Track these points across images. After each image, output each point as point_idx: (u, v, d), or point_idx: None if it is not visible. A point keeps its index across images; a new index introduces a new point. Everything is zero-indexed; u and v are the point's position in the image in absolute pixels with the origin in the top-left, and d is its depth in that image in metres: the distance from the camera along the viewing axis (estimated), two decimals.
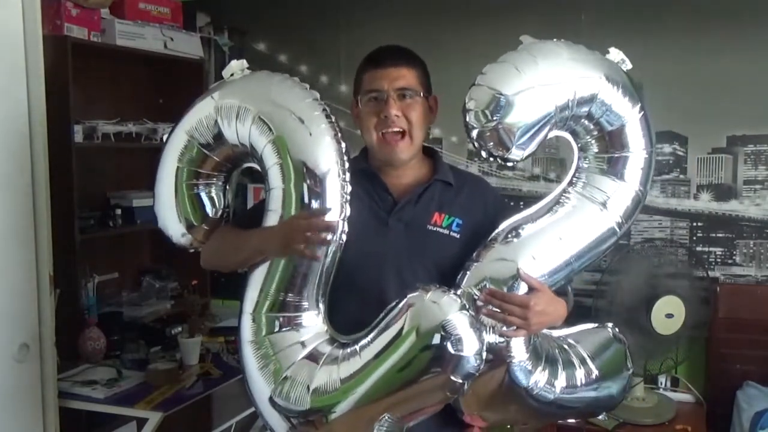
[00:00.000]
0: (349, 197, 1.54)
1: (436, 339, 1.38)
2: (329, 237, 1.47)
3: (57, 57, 2.54)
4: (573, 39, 1.58)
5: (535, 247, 1.56)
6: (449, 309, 1.40)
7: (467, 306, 1.44)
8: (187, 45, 3.24)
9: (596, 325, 1.77)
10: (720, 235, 2.83)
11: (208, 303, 3.21)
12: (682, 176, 2.85)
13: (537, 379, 1.57)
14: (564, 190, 1.62)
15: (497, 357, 1.51)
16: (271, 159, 1.54)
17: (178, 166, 1.64)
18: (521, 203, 2.95)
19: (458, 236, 1.62)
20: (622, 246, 2.80)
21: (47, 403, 2.33)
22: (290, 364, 1.49)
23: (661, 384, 2.88)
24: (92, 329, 2.70)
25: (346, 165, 1.54)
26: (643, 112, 1.58)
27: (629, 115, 1.56)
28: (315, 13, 3.27)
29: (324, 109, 1.55)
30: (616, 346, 1.73)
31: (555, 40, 1.56)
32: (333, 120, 1.55)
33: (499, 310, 1.49)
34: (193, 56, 3.26)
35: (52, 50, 2.46)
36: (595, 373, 1.65)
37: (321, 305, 1.56)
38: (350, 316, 1.56)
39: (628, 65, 1.60)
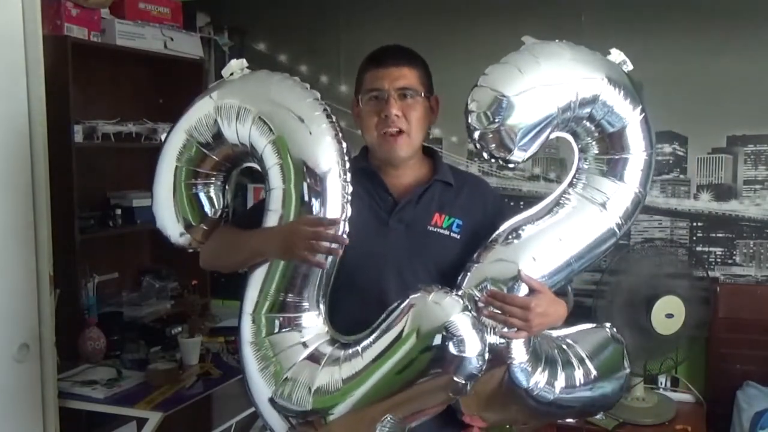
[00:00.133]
0: (350, 198, 1.54)
1: (439, 340, 1.38)
2: (335, 247, 1.46)
3: (57, 57, 2.54)
4: (573, 40, 1.58)
5: (535, 248, 1.56)
6: (452, 310, 1.40)
7: (469, 307, 1.44)
8: (187, 45, 3.24)
9: (594, 325, 1.77)
10: (720, 235, 2.83)
11: (208, 303, 3.21)
12: (682, 176, 2.85)
13: (537, 380, 1.57)
14: (564, 191, 1.63)
15: (497, 358, 1.51)
16: (271, 159, 1.54)
17: (176, 166, 1.64)
18: (521, 203, 2.97)
19: (458, 237, 1.62)
20: (622, 246, 2.80)
21: (47, 403, 2.33)
22: (291, 365, 1.49)
23: (661, 384, 2.88)
24: (92, 329, 2.70)
25: (347, 165, 1.54)
26: (643, 114, 1.58)
27: (630, 117, 1.57)
28: (315, 13, 3.27)
29: (325, 109, 1.55)
30: (614, 345, 1.74)
31: (557, 40, 1.56)
32: (334, 120, 1.55)
33: (500, 312, 1.49)
34: (193, 56, 3.26)
35: (52, 50, 2.46)
36: (594, 373, 1.66)
37: (321, 306, 1.56)
38: (350, 317, 1.55)
39: (629, 66, 1.60)
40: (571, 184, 1.63)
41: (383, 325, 1.45)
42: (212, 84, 1.68)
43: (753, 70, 2.73)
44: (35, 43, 2.26)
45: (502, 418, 1.74)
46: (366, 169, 1.64)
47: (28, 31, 2.25)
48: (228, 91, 1.60)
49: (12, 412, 2.24)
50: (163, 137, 1.72)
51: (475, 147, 1.52)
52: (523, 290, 1.54)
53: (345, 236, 1.51)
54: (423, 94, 1.62)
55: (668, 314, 2.61)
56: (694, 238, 2.86)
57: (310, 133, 1.52)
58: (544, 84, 1.47)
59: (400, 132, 1.59)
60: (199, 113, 1.61)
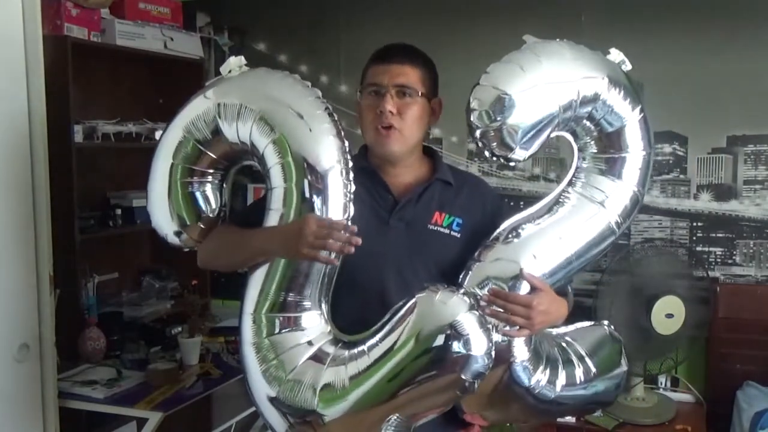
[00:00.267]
0: (352, 196, 1.53)
1: (445, 340, 1.38)
2: (350, 250, 1.44)
3: (57, 57, 2.54)
4: (573, 40, 1.59)
5: (536, 247, 1.57)
6: (458, 309, 1.40)
7: (476, 306, 1.44)
8: (187, 45, 3.24)
9: (593, 323, 1.78)
10: (720, 235, 2.83)
11: (208, 303, 3.21)
12: (682, 176, 2.85)
13: (539, 379, 1.58)
14: (564, 190, 1.64)
15: (499, 357, 1.51)
16: (272, 158, 1.53)
17: (172, 163, 1.62)
18: (521, 203, 2.97)
19: (459, 236, 1.63)
20: (622, 246, 2.80)
21: (47, 403, 2.33)
22: (294, 366, 1.48)
23: (661, 384, 2.87)
24: (92, 329, 2.69)
25: (350, 164, 1.54)
26: (642, 114, 1.59)
27: (629, 117, 1.57)
28: (315, 13, 3.27)
29: (326, 108, 1.55)
30: (612, 343, 1.75)
31: (557, 40, 1.56)
32: (336, 118, 1.55)
33: (502, 310, 1.49)
34: (193, 56, 3.26)
35: (52, 50, 2.46)
36: (593, 370, 1.67)
37: (324, 305, 1.55)
38: (351, 316, 1.56)
39: (628, 66, 1.60)
40: (570, 183, 1.63)
41: (389, 324, 1.45)
42: (210, 81, 1.66)
43: (753, 70, 2.73)
44: (35, 43, 2.26)
45: (503, 417, 1.74)
46: (366, 168, 1.64)
47: (28, 31, 2.25)
48: (228, 89, 1.59)
49: (12, 412, 2.24)
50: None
51: (477, 145, 1.52)
52: (524, 289, 1.54)
53: (358, 239, 1.48)
54: (421, 94, 1.61)
55: (668, 314, 2.61)
56: (694, 238, 2.85)
57: (311, 130, 1.52)
58: (546, 82, 1.48)
59: (393, 128, 1.59)
60: (198, 110, 1.59)
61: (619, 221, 1.60)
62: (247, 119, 1.54)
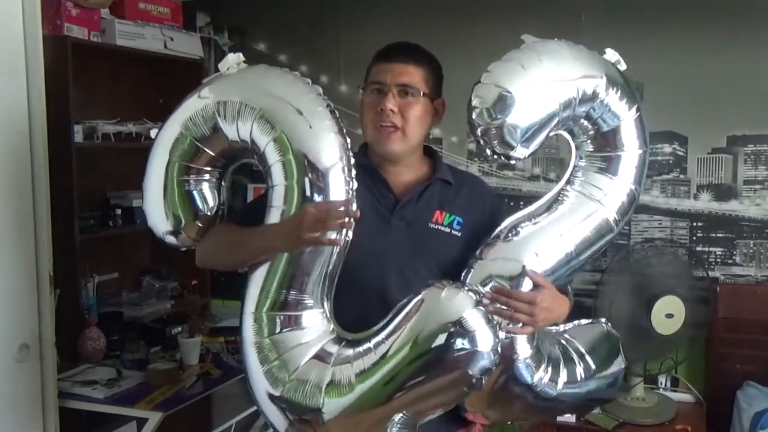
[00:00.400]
0: (355, 194, 1.52)
1: (449, 337, 1.38)
2: (347, 220, 1.43)
3: (57, 57, 2.54)
4: (573, 39, 1.60)
5: (537, 244, 1.58)
6: (465, 305, 1.40)
7: (482, 302, 1.44)
8: (187, 45, 3.24)
9: (591, 320, 1.78)
10: (720, 235, 2.83)
11: (208, 303, 3.21)
12: (682, 176, 2.85)
13: (541, 376, 1.59)
14: (563, 188, 1.65)
15: (502, 354, 1.51)
16: (273, 156, 1.52)
17: (168, 161, 1.59)
18: (521, 203, 2.96)
19: (459, 235, 1.63)
20: (622, 246, 2.80)
21: (47, 403, 2.33)
22: (297, 365, 1.47)
23: (661, 384, 2.88)
24: (92, 329, 2.69)
25: (352, 161, 1.53)
26: (638, 113, 1.61)
27: (625, 116, 1.60)
28: (315, 13, 3.27)
29: (328, 105, 1.54)
30: (610, 341, 1.76)
31: (556, 39, 1.57)
32: (337, 116, 1.54)
33: (505, 307, 1.50)
34: (193, 56, 3.26)
35: (52, 50, 2.46)
36: (593, 368, 1.68)
37: (326, 304, 1.55)
38: (352, 314, 1.55)
39: (623, 66, 1.62)
40: (569, 182, 1.65)
41: (395, 321, 1.44)
42: (209, 78, 1.64)
43: (753, 70, 2.73)
44: (35, 43, 2.26)
45: (505, 415, 1.75)
46: (367, 166, 1.63)
47: (28, 31, 2.25)
48: (227, 87, 1.57)
49: (12, 412, 2.24)
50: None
51: (478, 143, 1.52)
52: (526, 286, 1.55)
53: (350, 233, 1.49)
54: (424, 94, 1.60)
55: (668, 314, 2.61)
56: (694, 238, 2.85)
57: (311, 127, 1.50)
58: (547, 81, 1.49)
59: (394, 127, 1.58)
60: (196, 107, 1.57)
61: (617, 218, 1.62)
62: (248, 117, 1.52)
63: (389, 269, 1.59)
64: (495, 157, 1.53)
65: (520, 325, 1.52)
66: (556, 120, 1.52)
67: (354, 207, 1.47)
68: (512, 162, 1.58)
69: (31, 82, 2.26)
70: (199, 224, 1.65)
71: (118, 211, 2.95)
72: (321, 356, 1.48)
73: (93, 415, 2.45)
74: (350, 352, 1.47)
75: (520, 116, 1.47)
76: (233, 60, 1.59)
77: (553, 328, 1.71)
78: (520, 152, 1.50)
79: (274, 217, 1.53)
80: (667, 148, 2.85)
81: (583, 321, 1.77)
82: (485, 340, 1.39)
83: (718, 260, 2.83)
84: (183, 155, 1.59)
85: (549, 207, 1.63)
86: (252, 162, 1.63)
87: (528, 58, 1.49)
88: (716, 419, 2.70)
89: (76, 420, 2.50)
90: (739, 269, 2.81)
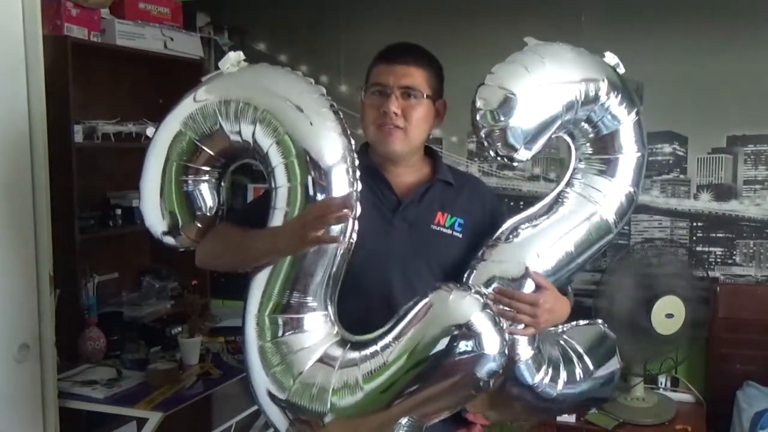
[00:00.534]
0: (359, 196, 1.51)
1: (457, 339, 1.38)
2: (346, 213, 1.42)
3: (57, 57, 2.54)
4: (573, 39, 1.60)
5: (538, 246, 1.59)
6: (472, 309, 1.40)
7: (489, 305, 1.44)
8: (187, 45, 3.24)
9: (588, 321, 1.79)
10: (720, 235, 2.83)
11: (208, 303, 3.21)
12: (682, 176, 2.85)
13: (542, 377, 1.60)
14: (563, 190, 1.66)
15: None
16: (276, 158, 1.50)
17: (166, 159, 1.56)
18: (521, 203, 2.98)
19: (460, 236, 1.63)
20: (622, 246, 2.80)
21: (47, 403, 2.33)
22: (302, 369, 1.46)
23: (661, 384, 2.87)
24: (92, 329, 2.70)
25: (356, 163, 1.52)
26: (637, 117, 1.63)
27: (625, 119, 1.61)
28: (315, 13, 3.27)
29: (331, 105, 1.53)
30: (607, 341, 1.77)
31: (558, 42, 1.57)
32: (341, 117, 1.53)
33: (508, 308, 1.50)
34: (193, 56, 3.27)
35: (52, 50, 2.46)
36: (591, 368, 1.69)
37: (330, 306, 1.54)
38: (355, 316, 1.55)
39: (621, 69, 1.63)
40: (568, 184, 1.66)
41: (401, 324, 1.43)
42: (208, 75, 1.61)
43: (753, 70, 2.73)
44: (35, 43, 2.25)
45: (505, 416, 1.75)
46: (369, 167, 1.62)
47: (28, 31, 2.25)
48: (229, 85, 1.55)
49: (12, 412, 2.24)
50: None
51: (481, 145, 1.52)
52: (528, 287, 1.56)
53: (354, 234, 1.48)
54: (426, 96, 1.60)
55: (668, 314, 2.61)
56: (694, 238, 2.85)
57: (314, 126, 1.49)
58: (550, 83, 1.49)
59: (397, 128, 1.58)
60: (196, 105, 1.55)
61: (615, 220, 1.64)
62: (251, 118, 1.50)
63: (392, 270, 1.59)
64: (498, 159, 1.53)
65: (522, 326, 1.52)
66: (558, 122, 1.52)
67: (355, 201, 1.47)
68: (515, 164, 1.58)
69: (31, 82, 2.26)
70: (199, 225, 1.63)
71: (118, 211, 2.95)
72: (326, 360, 1.47)
73: (93, 415, 2.45)
74: (356, 354, 1.46)
75: (524, 118, 1.47)
76: (234, 58, 1.57)
77: (552, 328, 1.71)
78: (523, 154, 1.51)
79: (277, 218, 1.51)
80: (667, 148, 2.85)
81: (581, 322, 1.78)
82: (493, 343, 1.38)
83: (718, 260, 2.83)
84: (182, 154, 1.56)
85: (549, 209, 1.64)
86: (252, 162, 1.62)
87: (531, 61, 1.49)
88: (716, 419, 2.70)
89: (76, 420, 2.50)
90: (739, 269, 2.81)
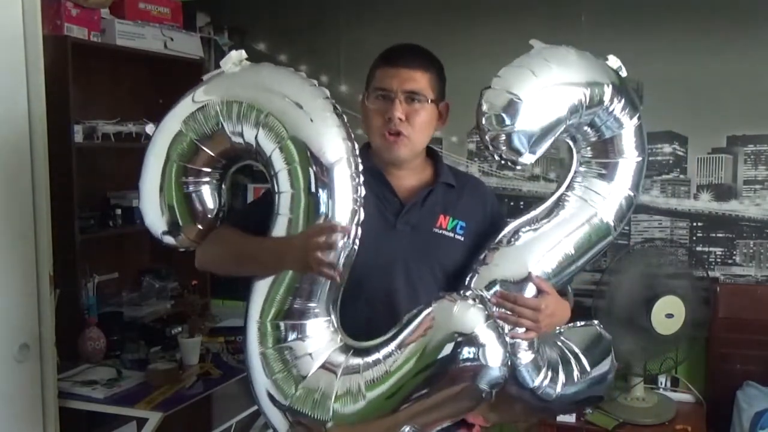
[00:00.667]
0: (362, 201, 1.50)
1: (459, 346, 1.38)
2: (334, 255, 1.41)
3: (57, 57, 2.54)
4: (573, 39, 1.62)
5: (540, 249, 1.59)
6: (476, 321, 1.39)
7: (493, 317, 1.44)
8: (187, 45, 3.24)
9: (584, 322, 1.80)
10: (720, 235, 2.83)
11: (208, 303, 3.21)
12: (682, 176, 2.85)
13: (542, 379, 1.60)
14: (563, 194, 1.67)
15: None
16: (279, 164, 1.48)
17: (167, 159, 1.54)
18: (521, 203, 2.98)
19: (462, 239, 1.63)
20: (622, 246, 2.80)
21: (47, 403, 2.33)
22: (304, 375, 1.46)
23: (661, 384, 2.87)
24: (92, 329, 2.70)
25: (360, 168, 1.50)
26: (639, 122, 1.63)
27: (627, 124, 1.62)
28: (315, 13, 3.27)
29: (335, 108, 1.51)
30: (603, 342, 1.77)
31: (564, 46, 1.57)
32: (345, 121, 1.51)
33: (510, 313, 1.50)
34: (193, 56, 3.26)
35: (52, 50, 2.46)
36: (588, 368, 1.69)
37: (333, 312, 1.53)
38: (358, 320, 1.55)
39: (624, 72, 1.63)
40: (569, 187, 1.67)
41: (404, 333, 1.43)
42: (209, 74, 1.59)
43: (753, 70, 2.72)
44: (35, 43, 2.25)
45: (505, 417, 1.75)
46: (371, 170, 1.60)
47: (28, 31, 2.25)
48: (232, 85, 1.53)
49: (12, 412, 2.24)
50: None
51: (486, 149, 1.51)
52: (529, 290, 1.55)
53: (357, 239, 1.47)
54: (431, 100, 1.59)
55: (668, 314, 2.61)
56: (694, 238, 2.85)
57: (311, 120, 1.47)
58: (557, 87, 1.49)
59: (401, 134, 1.57)
60: (197, 105, 1.52)
61: (615, 222, 1.65)
62: (254, 121, 1.48)
63: (395, 274, 1.58)
64: (502, 162, 1.52)
65: (524, 330, 1.52)
66: (563, 126, 1.53)
67: (358, 233, 1.47)
68: (518, 167, 1.57)
69: (31, 82, 2.26)
70: (199, 227, 1.61)
71: (118, 211, 2.95)
72: (328, 366, 1.46)
73: (93, 415, 2.45)
74: (359, 361, 1.45)
75: (530, 123, 1.47)
76: (236, 57, 1.55)
77: None
78: (528, 158, 1.51)
79: (280, 224, 1.50)
80: (667, 148, 2.85)
81: (578, 323, 1.78)
82: (496, 356, 1.39)
83: (718, 260, 2.83)
84: (182, 154, 1.54)
85: (550, 212, 1.65)
86: (254, 163, 1.60)
87: (538, 65, 1.49)
88: (716, 419, 2.70)
89: (76, 420, 2.49)
90: (739, 269, 2.81)
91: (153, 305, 3.13)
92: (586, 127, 1.60)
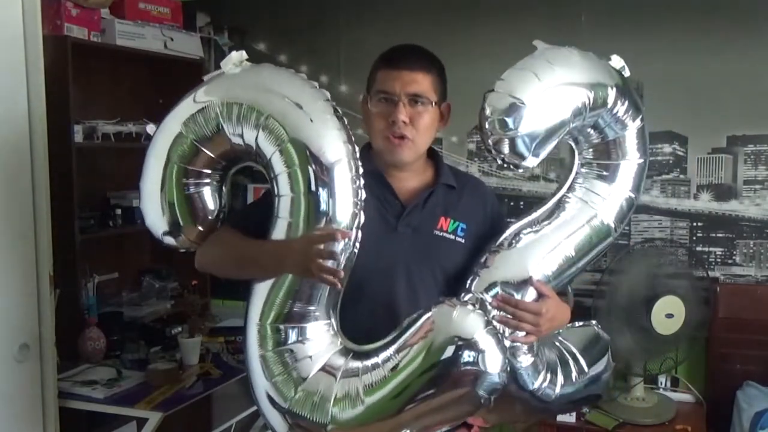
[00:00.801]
0: (363, 204, 1.50)
1: (463, 348, 1.38)
2: (334, 261, 1.41)
3: (57, 57, 2.54)
4: (573, 39, 1.61)
5: (541, 251, 1.59)
6: (476, 326, 1.40)
7: (492, 323, 1.44)
8: (187, 45, 3.24)
9: (582, 323, 1.80)
10: (720, 235, 2.83)
11: (208, 303, 3.21)
12: (682, 176, 2.85)
13: (541, 381, 1.60)
14: (564, 195, 1.67)
15: None
16: (279, 167, 1.48)
17: (167, 161, 1.54)
18: (521, 203, 2.98)
19: (463, 241, 1.63)
20: (622, 246, 2.80)
21: (47, 403, 2.33)
22: (304, 378, 1.46)
23: (661, 384, 2.87)
24: (92, 329, 2.70)
25: (360, 170, 1.50)
26: (642, 124, 1.63)
27: (630, 126, 1.61)
28: (315, 13, 3.27)
29: (335, 110, 1.50)
30: (600, 342, 1.78)
31: (567, 47, 1.56)
32: (346, 123, 1.50)
33: (511, 317, 1.51)
34: (193, 56, 3.26)
35: (52, 50, 2.46)
36: (586, 369, 1.70)
37: (333, 316, 1.53)
38: (358, 323, 1.54)
39: (627, 72, 1.62)
40: (570, 188, 1.67)
41: (403, 337, 1.43)
42: (210, 75, 1.58)
43: (753, 70, 2.72)
44: (35, 43, 2.25)
45: (504, 418, 1.75)
46: (372, 172, 1.60)
47: (28, 31, 2.25)
48: (232, 86, 1.52)
49: (12, 412, 2.24)
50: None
51: (489, 152, 1.51)
52: (529, 294, 1.56)
53: (357, 243, 1.47)
54: (434, 103, 1.59)
55: (668, 314, 2.61)
56: (694, 238, 2.85)
57: (313, 122, 1.47)
58: (560, 90, 1.48)
59: (405, 137, 1.57)
60: (197, 106, 1.52)
61: (615, 224, 1.65)
62: (254, 123, 1.48)
63: (396, 276, 1.58)
64: (505, 166, 1.52)
65: (524, 333, 1.52)
66: (566, 129, 1.52)
67: (358, 236, 1.47)
68: (520, 170, 1.57)
69: (31, 82, 2.26)
70: (200, 228, 1.61)
71: (118, 211, 2.95)
72: (328, 369, 1.46)
73: (93, 415, 2.45)
74: (358, 365, 1.45)
75: (533, 127, 1.46)
76: (236, 58, 1.55)
77: None
78: (531, 162, 1.50)
79: (280, 228, 1.49)
80: (667, 148, 2.85)
81: (576, 323, 1.78)
82: (495, 362, 1.39)
83: (718, 260, 2.83)
84: (182, 156, 1.54)
85: (551, 213, 1.64)
86: (254, 164, 1.60)
87: (541, 67, 1.48)
88: (716, 419, 2.70)
89: (76, 420, 2.50)
90: (739, 269, 2.81)
91: (153, 305, 3.13)
92: (589, 129, 1.60)
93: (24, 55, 2.25)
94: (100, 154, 3.04)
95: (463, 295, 1.56)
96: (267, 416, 1.53)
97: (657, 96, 2.72)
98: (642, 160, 1.64)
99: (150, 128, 1.61)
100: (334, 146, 1.47)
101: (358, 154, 1.51)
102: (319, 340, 1.50)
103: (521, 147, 1.46)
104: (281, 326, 1.49)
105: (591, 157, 1.65)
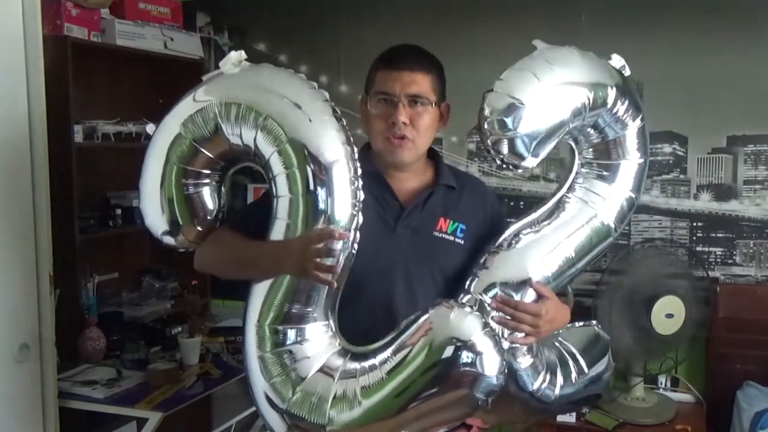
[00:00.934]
0: (361, 205, 1.49)
1: (461, 349, 1.38)
2: (331, 262, 1.41)
3: (57, 57, 2.54)
4: (573, 39, 1.61)
5: (540, 252, 1.59)
6: (473, 329, 1.39)
7: (490, 325, 1.44)
8: (187, 45, 3.24)
9: (582, 323, 1.80)
10: (720, 235, 2.83)
11: (208, 303, 3.21)
12: (682, 176, 2.85)
13: (541, 382, 1.60)
14: (564, 195, 1.66)
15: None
16: (277, 168, 1.48)
17: (166, 161, 1.54)
18: (521, 203, 2.98)
19: (462, 242, 1.63)
20: (622, 246, 2.80)
21: (47, 403, 2.33)
22: (302, 378, 1.46)
23: (661, 384, 2.87)
24: (92, 329, 2.70)
25: (359, 171, 1.50)
26: (642, 123, 1.62)
27: (631, 126, 1.61)
28: (315, 13, 3.27)
29: (334, 111, 1.50)
30: (600, 342, 1.77)
31: (567, 46, 1.56)
32: (344, 124, 1.50)
33: (510, 318, 1.50)
34: (193, 56, 3.26)
35: (52, 50, 2.46)
36: (585, 369, 1.70)
37: (331, 316, 1.53)
38: (357, 324, 1.54)
39: (627, 71, 1.62)
40: (570, 188, 1.66)
41: (400, 339, 1.43)
42: (209, 75, 1.58)
43: (753, 70, 2.72)
44: (35, 43, 2.25)
45: (503, 419, 1.75)
46: (372, 173, 1.60)
47: (28, 31, 2.25)
48: (231, 86, 1.52)
49: (12, 412, 2.24)
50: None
51: (488, 152, 1.51)
52: (529, 295, 1.55)
53: (355, 244, 1.47)
54: (434, 104, 1.58)
55: (668, 314, 2.61)
56: (694, 238, 2.85)
57: (312, 121, 1.46)
58: (560, 91, 1.48)
59: (405, 138, 1.57)
60: (196, 106, 1.51)
61: (615, 224, 1.64)
62: (253, 123, 1.48)
63: (395, 278, 1.58)
64: (504, 166, 1.52)
65: (523, 335, 1.52)
66: (566, 129, 1.52)
67: (356, 237, 1.47)
68: (519, 171, 1.57)
69: (31, 82, 2.26)
70: (199, 228, 1.61)
71: (118, 211, 2.95)
72: (326, 370, 1.46)
73: (93, 415, 2.45)
74: (356, 366, 1.45)
75: (532, 127, 1.46)
76: (235, 58, 1.55)
77: None
78: (530, 162, 1.50)
79: (278, 229, 1.49)
80: (667, 148, 2.85)
81: (576, 323, 1.78)
82: (492, 365, 1.39)
83: (718, 260, 2.83)
84: (181, 157, 1.55)
85: (551, 214, 1.64)
86: (253, 165, 1.60)
87: (540, 67, 1.48)
88: (716, 419, 2.70)
89: (76, 420, 2.50)
90: (739, 269, 2.81)
91: (153, 305, 3.13)
92: (589, 129, 1.60)
93: (24, 55, 2.25)
94: (100, 154, 3.04)
95: (462, 296, 1.56)
96: (265, 417, 1.53)
97: (657, 96, 2.72)
98: (642, 160, 1.64)
99: (150, 128, 1.60)
100: (332, 147, 1.47)
101: (356, 155, 1.51)
102: (318, 341, 1.50)
103: (520, 147, 1.46)
104: (280, 327, 1.49)
105: (591, 157, 1.65)
